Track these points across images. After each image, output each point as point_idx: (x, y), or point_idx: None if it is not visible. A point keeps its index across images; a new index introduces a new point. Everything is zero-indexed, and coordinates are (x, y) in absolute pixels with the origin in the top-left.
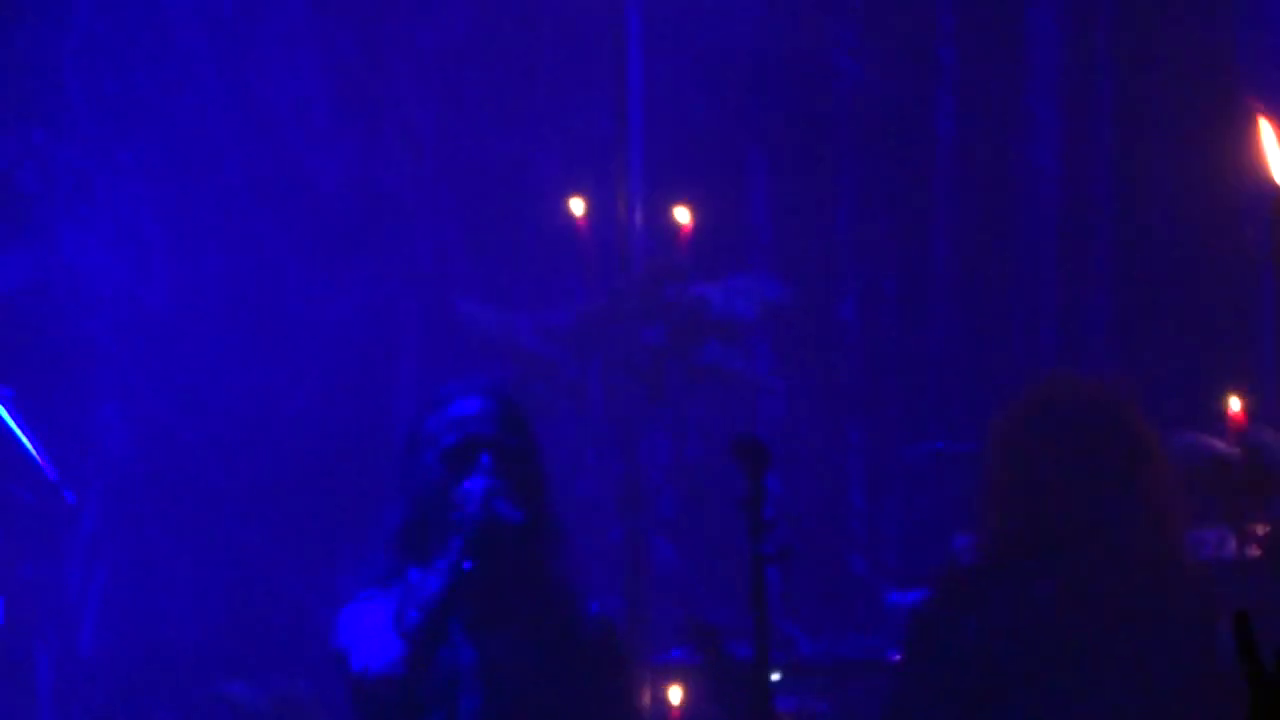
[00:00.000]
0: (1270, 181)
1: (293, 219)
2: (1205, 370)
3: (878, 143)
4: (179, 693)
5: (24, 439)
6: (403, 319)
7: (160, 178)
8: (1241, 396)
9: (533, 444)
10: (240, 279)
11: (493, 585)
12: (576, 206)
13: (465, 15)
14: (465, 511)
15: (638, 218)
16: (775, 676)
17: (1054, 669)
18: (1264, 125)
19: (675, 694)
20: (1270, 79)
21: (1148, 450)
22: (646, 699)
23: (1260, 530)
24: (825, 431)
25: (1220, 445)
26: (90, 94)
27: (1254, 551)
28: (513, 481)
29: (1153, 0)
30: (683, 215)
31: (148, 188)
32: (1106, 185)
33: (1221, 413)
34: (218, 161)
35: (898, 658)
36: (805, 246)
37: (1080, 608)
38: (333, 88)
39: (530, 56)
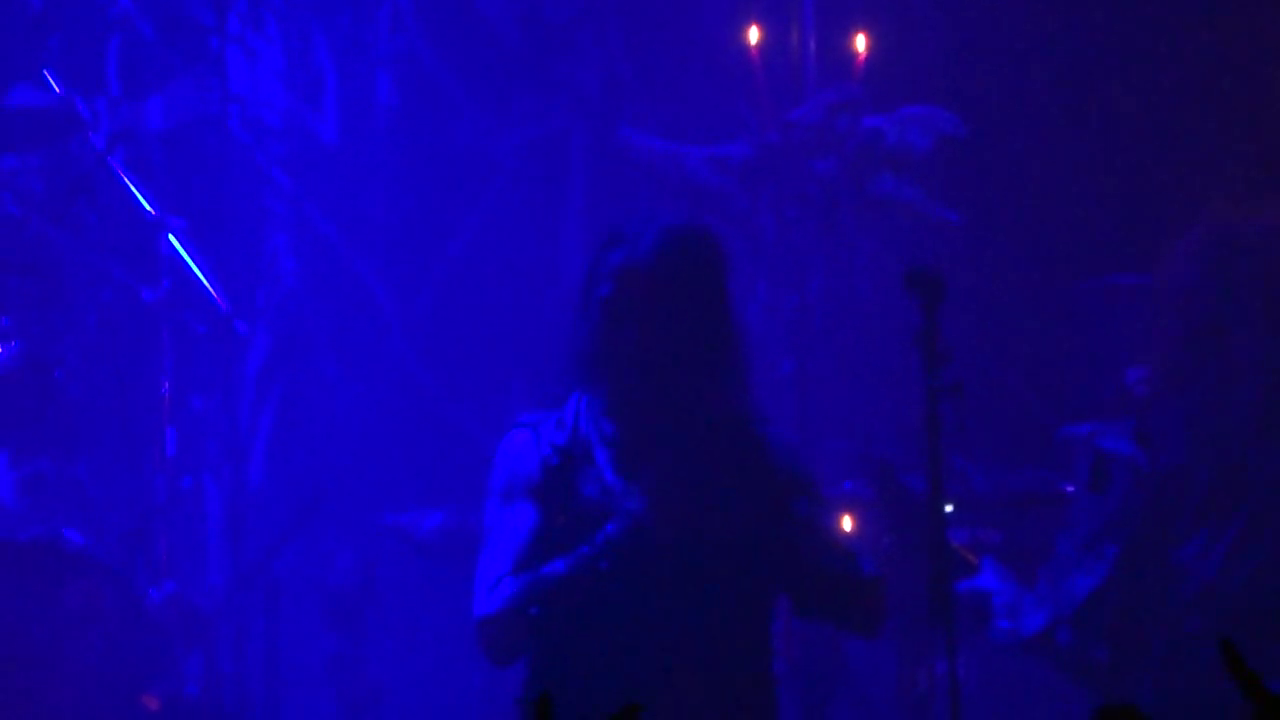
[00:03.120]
0: None
1: (462, 51)
2: None
3: None
4: (348, 524)
5: (196, 270)
6: (572, 151)
7: (331, 9)
8: None
9: (712, 288)
10: (410, 111)
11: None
12: (750, 36)
13: None
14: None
15: (811, 47)
16: (948, 509)
17: (1224, 502)
18: None
19: (846, 524)
20: None
21: None
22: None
23: None
24: (998, 265)
25: None
26: None
27: None
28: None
29: None
30: (858, 44)
31: (319, 19)
32: None
33: None
34: None
35: (1071, 489)
36: (979, 78)
37: (1252, 441)
38: None
39: None
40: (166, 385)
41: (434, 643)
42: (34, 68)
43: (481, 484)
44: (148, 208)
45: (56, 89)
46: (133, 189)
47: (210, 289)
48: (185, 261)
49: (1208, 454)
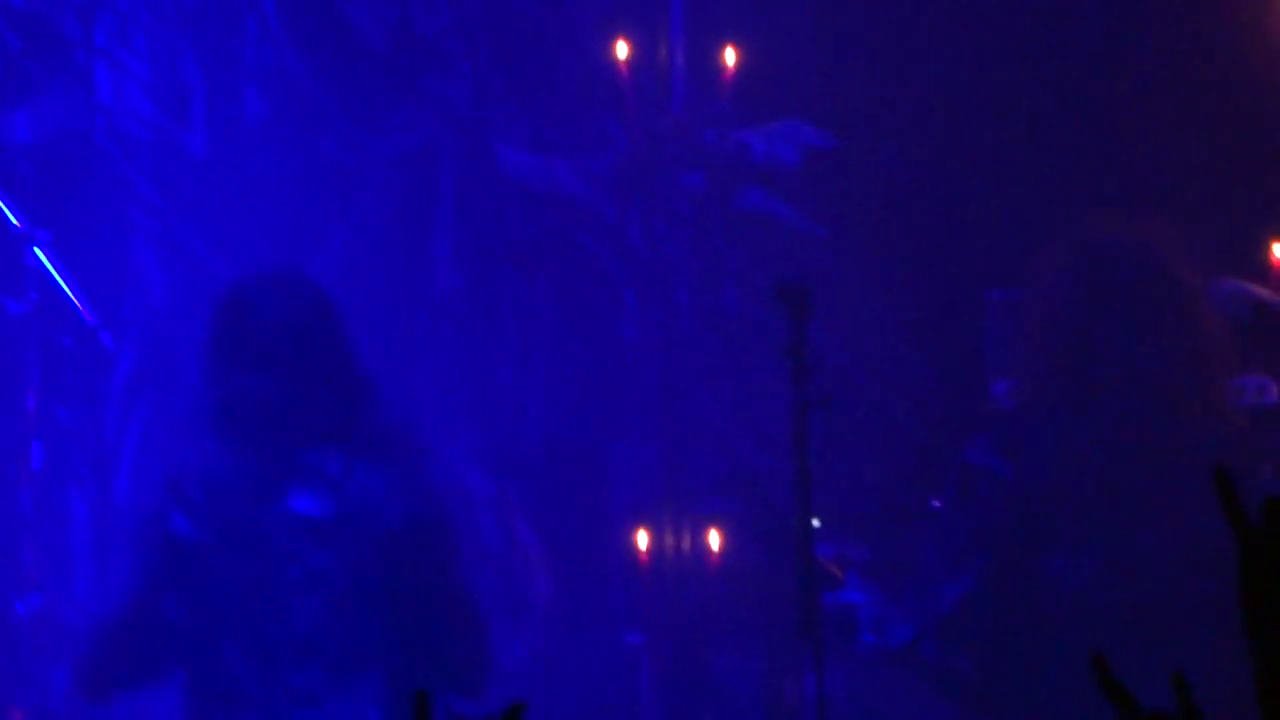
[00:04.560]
0: None
1: (331, 63)
2: (1248, 217)
3: None
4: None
5: (62, 283)
6: (442, 164)
7: (198, 20)
8: None
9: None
10: (279, 123)
11: None
12: (619, 49)
13: None
14: None
15: (680, 61)
16: (815, 523)
17: (1092, 514)
18: None
19: (715, 539)
20: None
21: (1189, 295)
22: (686, 545)
23: None
24: (866, 278)
25: (1262, 292)
26: None
27: None
28: None
29: None
30: (726, 58)
31: (186, 31)
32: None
33: (1264, 259)
34: (256, 4)
35: (938, 504)
36: (849, 92)
37: (1119, 453)
38: None
39: None
40: (32, 398)
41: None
42: None
43: None
44: (13, 220)
45: None
46: None
47: (76, 302)
48: (51, 274)
49: (1074, 466)
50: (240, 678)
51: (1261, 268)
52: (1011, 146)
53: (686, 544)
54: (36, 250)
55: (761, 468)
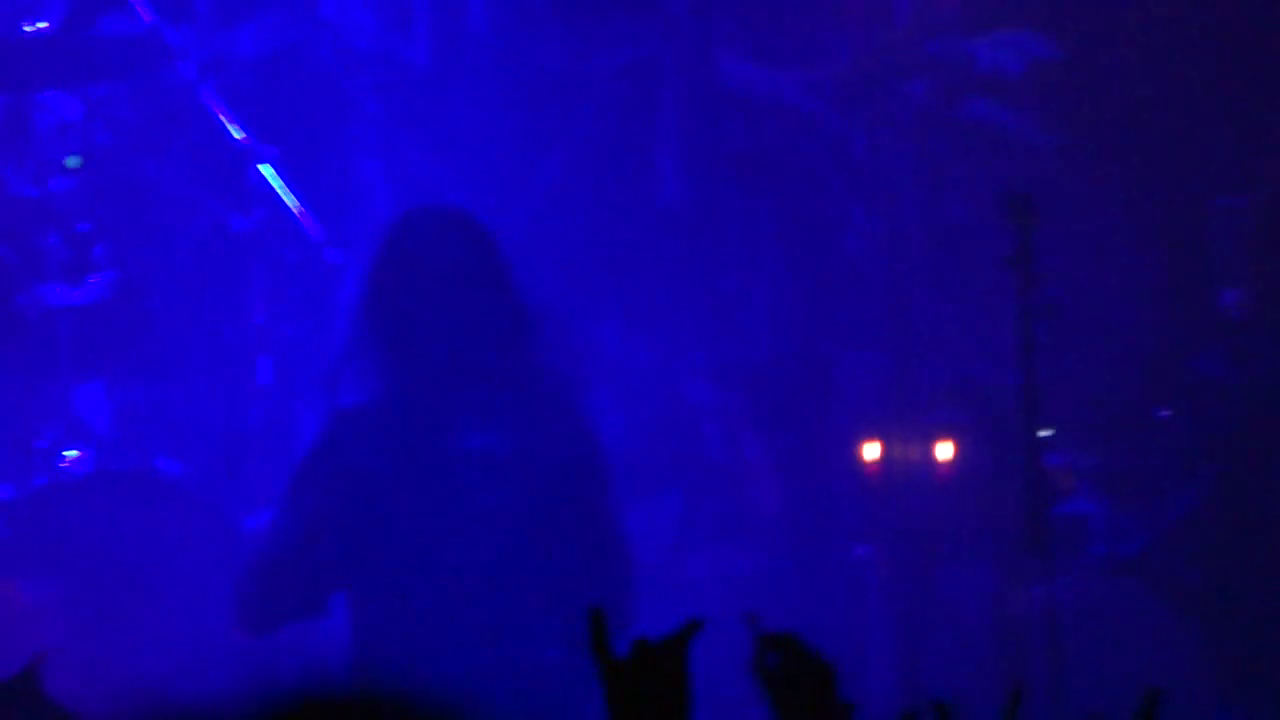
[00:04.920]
0: None
1: None
2: None
3: None
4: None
5: (288, 198)
6: (664, 76)
7: None
8: None
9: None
10: (500, 36)
11: None
12: None
13: None
14: None
15: None
16: (1045, 433)
17: None
18: None
19: (943, 450)
20: None
21: None
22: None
23: None
24: (1090, 187)
25: None
26: None
27: None
28: None
29: None
30: None
31: None
32: None
33: None
34: None
35: (1167, 413)
36: (1074, 1)
37: None
38: None
39: None
40: (259, 314)
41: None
42: None
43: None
44: (238, 136)
45: (145, 17)
46: (223, 117)
47: (302, 217)
48: (277, 190)
49: None
50: (419, 613)
51: None
52: (1237, 54)
53: (914, 455)
54: (262, 166)
55: (989, 378)
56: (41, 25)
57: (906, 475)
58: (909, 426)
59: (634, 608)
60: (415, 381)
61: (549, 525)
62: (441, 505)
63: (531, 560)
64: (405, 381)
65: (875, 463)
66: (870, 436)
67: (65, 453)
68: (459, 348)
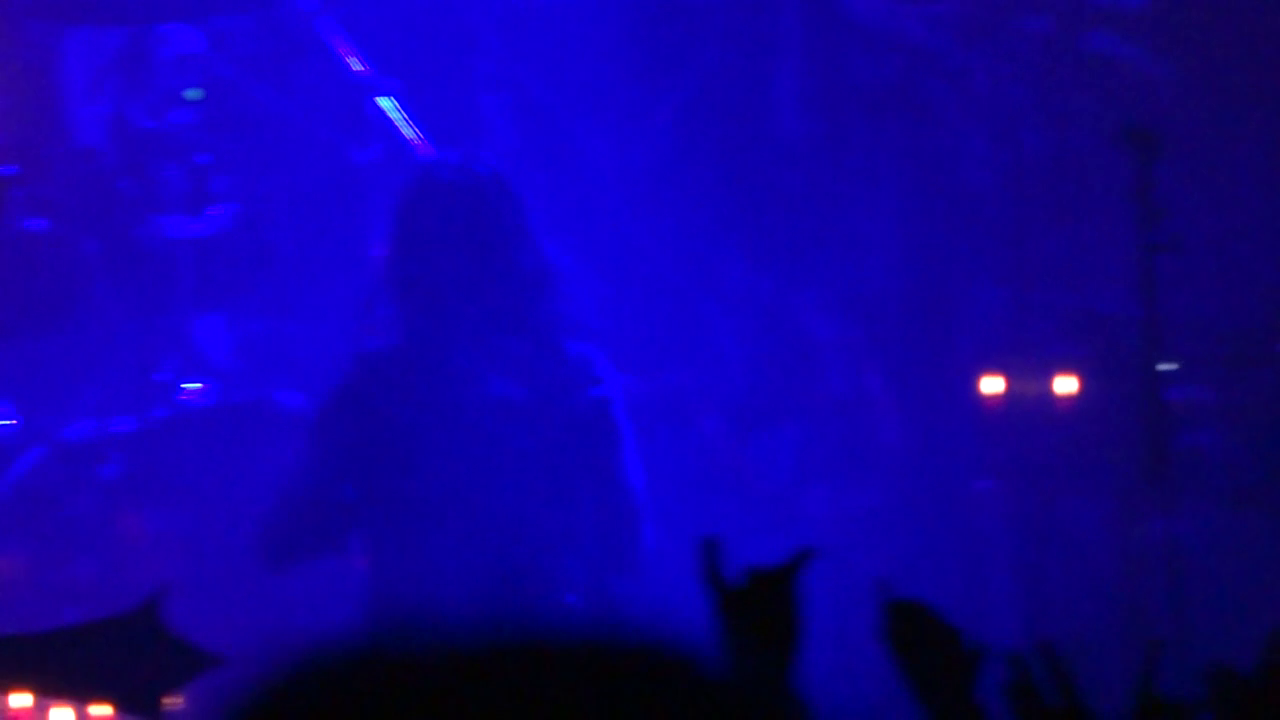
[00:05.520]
0: None
1: None
2: None
3: None
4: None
5: (408, 131)
6: (785, 8)
7: None
8: None
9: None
10: None
11: None
12: None
13: None
14: None
15: None
16: (1167, 366)
17: None
18: None
19: (1064, 384)
20: None
21: None
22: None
23: None
24: (1213, 120)
25: None
26: None
27: None
28: None
29: None
30: None
31: None
32: None
33: None
34: None
35: None
36: None
37: None
38: None
39: None
40: (377, 247)
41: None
42: None
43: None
44: (358, 68)
45: None
46: (343, 50)
47: (421, 151)
48: (396, 123)
49: None
50: (435, 557)
51: None
52: None
53: (1035, 389)
54: (381, 99)
55: (1111, 311)
56: None
57: (1027, 409)
58: (1030, 360)
59: (639, 558)
60: (435, 328)
61: (563, 473)
62: (460, 451)
63: (546, 507)
64: (426, 327)
65: (996, 396)
66: (991, 370)
67: (185, 385)
68: (479, 296)
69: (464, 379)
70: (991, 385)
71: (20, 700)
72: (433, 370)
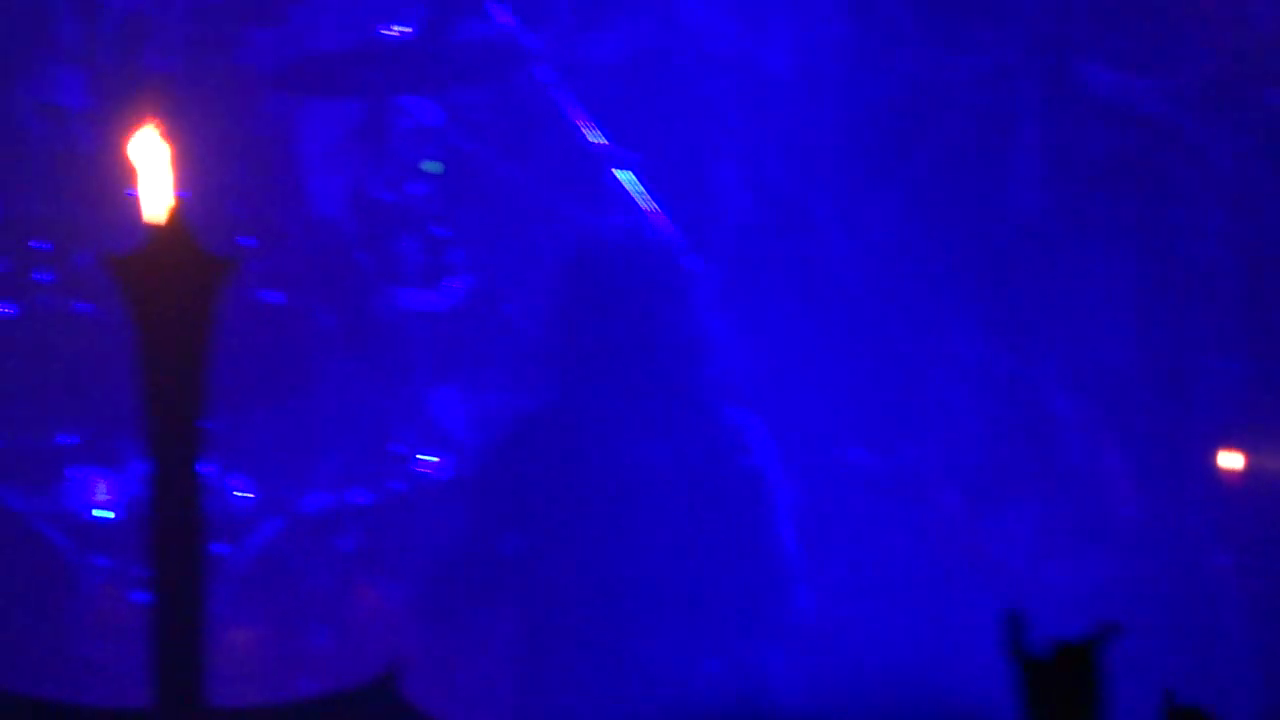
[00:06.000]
0: None
1: None
2: None
3: None
4: (803, 459)
5: (647, 203)
6: (1021, 83)
7: None
8: None
9: None
10: (859, 41)
11: None
12: None
13: None
14: None
15: None
16: None
17: None
18: None
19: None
20: None
21: None
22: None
23: None
24: None
25: None
26: None
27: None
28: None
29: None
30: None
31: None
32: None
33: None
34: None
35: None
36: None
37: None
38: None
39: None
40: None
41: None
42: (483, 1)
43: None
44: (596, 140)
45: (505, 22)
46: (581, 122)
47: (660, 222)
48: (636, 194)
49: None
50: (583, 617)
51: None
52: None
53: (1275, 463)
54: (619, 171)
55: None
56: (402, 30)
57: (1267, 484)
58: (1269, 434)
59: (790, 625)
60: (591, 391)
61: (713, 538)
62: (611, 514)
63: (695, 572)
64: (581, 390)
65: (1235, 471)
66: (1230, 444)
67: (421, 457)
68: (635, 361)
69: (612, 442)
70: (1230, 459)
71: None
72: (587, 433)
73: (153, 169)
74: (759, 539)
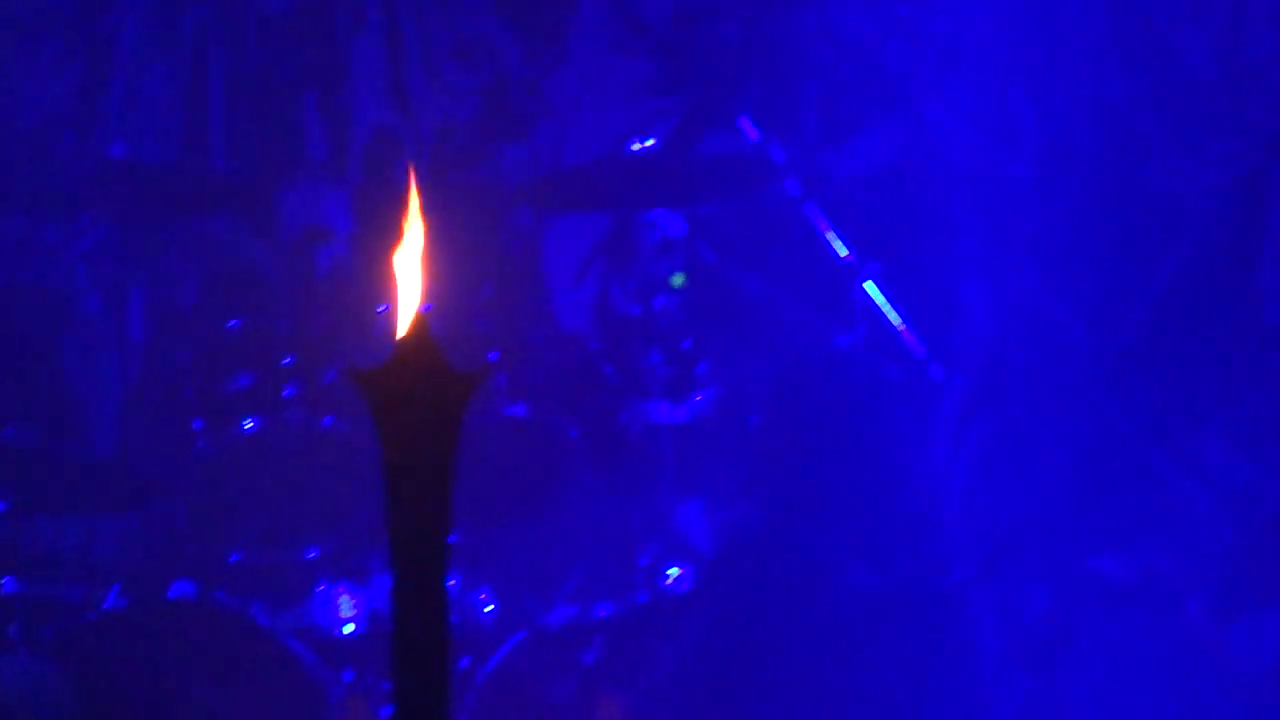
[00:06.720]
0: None
1: (1157, 91)
2: None
3: None
4: (1048, 567)
5: (892, 314)
6: (1267, 195)
7: (1025, 48)
8: None
9: None
10: (1105, 151)
11: None
12: None
13: None
14: None
15: None
16: None
17: None
18: None
19: None
20: None
21: None
22: None
23: None
24: None
25: None
26: None
27: None
28: None
29: None
30: None
31: (1012, 58)
32: None
33: None
34: (1084, 30)
35: None
36: None
37: None
38: None
39: None
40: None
41: (1128, 691)
42: (730, 116)
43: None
44: (842, 253)
45: (752, 136)
46: (827, 235)
47: (905, 333)
48: (880, 306)
49: None
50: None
51: None
52: None
53: None
54: (866, 283)
55: None
56: (648, 144)
57: None
58: None
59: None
60: (802, 514)
61: (915, 662)
62: (814, 636)
63: (896, 691)
64: (792, 510)
65: None
66: None
67: (667, 570)
68: (843, 486)
69: (824, 564)
70: None
71: None
72: (794, 552)
73: (408, 285)
74: (957, 663)
